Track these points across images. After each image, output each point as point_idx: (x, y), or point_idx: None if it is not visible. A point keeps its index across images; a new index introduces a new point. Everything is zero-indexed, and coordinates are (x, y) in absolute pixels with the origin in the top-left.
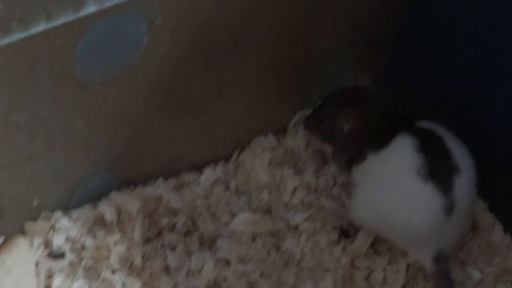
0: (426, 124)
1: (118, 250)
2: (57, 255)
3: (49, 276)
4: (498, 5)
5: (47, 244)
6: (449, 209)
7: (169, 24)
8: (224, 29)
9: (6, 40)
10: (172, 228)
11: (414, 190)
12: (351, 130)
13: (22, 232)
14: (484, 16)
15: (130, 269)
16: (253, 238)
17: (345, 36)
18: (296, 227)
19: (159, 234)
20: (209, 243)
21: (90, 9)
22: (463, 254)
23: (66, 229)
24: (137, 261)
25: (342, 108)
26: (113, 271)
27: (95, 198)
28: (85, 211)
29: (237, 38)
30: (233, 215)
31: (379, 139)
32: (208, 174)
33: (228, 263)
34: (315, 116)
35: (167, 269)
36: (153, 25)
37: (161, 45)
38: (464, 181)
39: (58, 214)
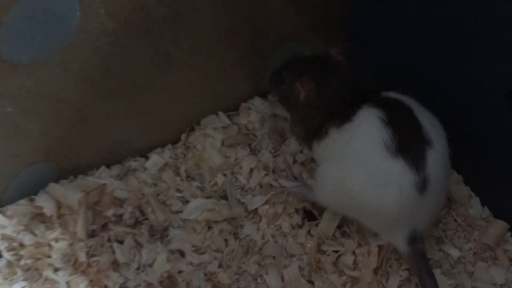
0: (392, 95)
1: (60, 246)
2: None
3: None
4: None
5: None
6: (422, 185)
7: None
8: None
9: None
10: (119, 220)
11: (384, 167)
12: (307, 98)
13: None
14: None
15: (74, 266)
16: (209, 226)
17: (296, 1)
18: (255, 212)
19: (105, 227)
20: (160, 234)
21: None
22: (439, 231)
23: (1, 226)
24: (82, 257)
25: (299, 73)
26: (56, 270)
27: (32, 191)
28: (21, 206)
29: (180, 6)
30: (185, 202)
31: (341, 112)
32: (155, 159)
33: (182, 254)
34: (278, 75)
35: (115, 265)
36: None
37: (95, 19)
38: (437, 155)
39: None
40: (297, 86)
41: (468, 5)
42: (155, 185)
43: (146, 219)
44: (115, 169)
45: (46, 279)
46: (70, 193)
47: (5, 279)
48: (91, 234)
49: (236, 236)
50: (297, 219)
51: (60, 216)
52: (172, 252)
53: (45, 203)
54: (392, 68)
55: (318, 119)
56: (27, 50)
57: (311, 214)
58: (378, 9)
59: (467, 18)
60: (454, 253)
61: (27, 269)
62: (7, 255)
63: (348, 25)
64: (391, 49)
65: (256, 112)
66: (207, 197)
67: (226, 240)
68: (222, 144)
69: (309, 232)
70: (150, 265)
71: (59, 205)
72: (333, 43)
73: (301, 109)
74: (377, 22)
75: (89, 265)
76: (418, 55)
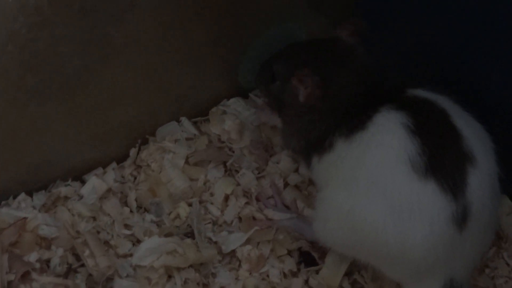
0: (421, 93)
1: None
2: None
3: None
4: None
5: None
6: (462, 218)
7: None
8: None
9: None
10: (45, 267)
11: (408, 192)
12: (309, 99)
13: None
14: None
15: None
16: (169, 275)
17: None
18: (232, 255)
19: (26, 276)
20: (102, 286)
21: None
22: (486, 279)
23: None
24: None
25: (297, 65)
26: None
27: None
28: None
29: None
30: (136, 242)
31: (351, 117)
32: (94, 183)
33: None
34: (267, 68)
35: None
36: None
37: None
38: (482, 176)
39: None
40: (294, 83)
41: None
42: (94, 219)
43: (82, 265)
44: (40, 198)
45: None
46: None
47: None
48: (7, 287)
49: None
50: (290, 264)
51: None
52: None
53: None
54: (420, 56)
55: (321, 127)
56: None
57: (309, 257)
58: None
59: None
60: None
61: None
62: None
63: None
64: (422, 29)
65: (233, 118)
66: (166, 235)
67: None
68: (187, 161)
69: (307, 282)
70: None
71: None
72: (342, 21)
73: (299, 114)
74: None
75: None
76: (456, 40)
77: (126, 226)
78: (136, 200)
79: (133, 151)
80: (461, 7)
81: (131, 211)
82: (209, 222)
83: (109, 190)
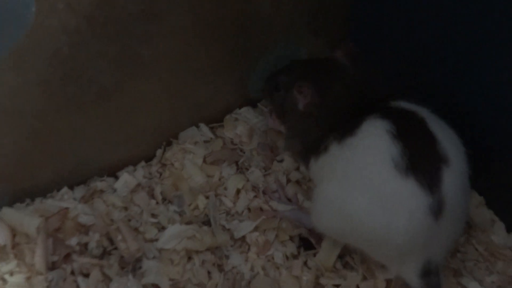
0: (403, 104)
1: (15, 281)
2: None
3: None
4: None
5: None
6: (437, 209)
7: None
8: None
9: None
10: (84, 249)
11: (392, 188)
12: (307, 107)
13: None
14: None
15: None
16: (189, 257)
17: None
18: (242, 240)
19: (67, 258)
20: (132, 266)
21: None
22: (457, 262)
23: None
24: None
25: (297, 78)
26: None
27: None
28: None
29: (153, 1)
30: (161, 229)
31: (344, 124)
32: (126, 179)
33: None
34: (272, 81)
35: None
36: None
37: (54, 15)
38: (454, 174)
39: None
40: (294, 93)
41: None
42: (125, 209)
43: (115, 248)
44: (79, 191)
45: None
46: (26, 218)
47: None
48: (52, 266)
49: (220, 268)
50: (291, 248)
51: (15, 246)
52: (146, 287)
53: None
54: (404, 74)
55: (317, 132)
56: None
57: (308, 242)
58: (389, 4)
59: (489, 12)
60: (474, 287)
61: None
62: None
63: (353, 23)
64: (403, 51)
65: (244, 124)
66: (187, 223)
67: (209, 272)
68: (204, 161)
69: (305, 263)
70: None
71: (14, 233)
72: (337, 44)
73: (299, 120)
74: (387, 19)
75: None
76: (435, 60)
77: (153, 215)
78: (161, 193)
79: (159, 152)
80: (444, 33)
81: (157, 203)
82: (223, 212)
83: (138, 184)
